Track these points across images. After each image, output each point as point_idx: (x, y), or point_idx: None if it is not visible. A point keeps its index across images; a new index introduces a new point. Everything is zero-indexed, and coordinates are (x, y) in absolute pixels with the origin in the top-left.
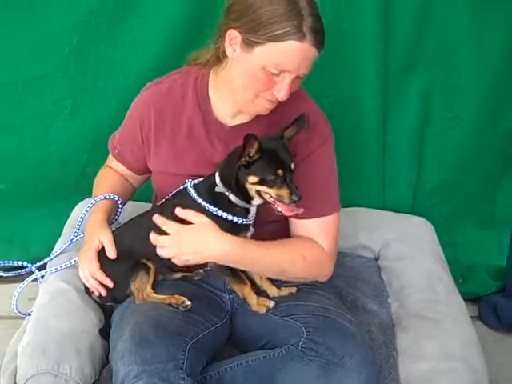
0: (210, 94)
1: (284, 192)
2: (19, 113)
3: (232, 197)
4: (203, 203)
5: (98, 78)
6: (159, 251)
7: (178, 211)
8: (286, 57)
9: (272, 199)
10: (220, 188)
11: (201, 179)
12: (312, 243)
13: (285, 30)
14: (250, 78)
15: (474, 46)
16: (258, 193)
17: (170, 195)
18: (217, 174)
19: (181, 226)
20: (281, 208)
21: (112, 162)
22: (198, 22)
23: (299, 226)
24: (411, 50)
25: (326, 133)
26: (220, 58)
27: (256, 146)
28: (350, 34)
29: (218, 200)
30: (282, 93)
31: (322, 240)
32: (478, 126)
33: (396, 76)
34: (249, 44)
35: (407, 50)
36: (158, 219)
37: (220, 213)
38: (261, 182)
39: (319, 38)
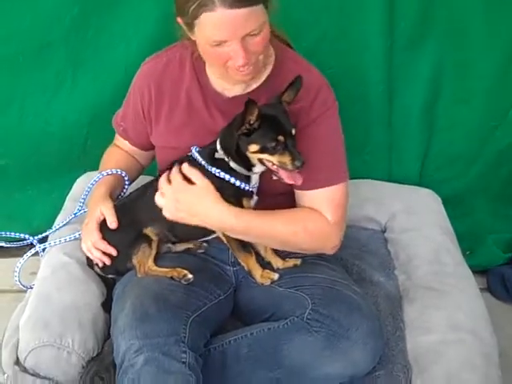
0: (207, 67)
1: (286, 158)
2: (20, 85)
3: (232, 163)
4: (207, 165)
5: (98, 49)
6: (157, 198)
7: (185, 167)
8: (211, 29)
9: (275, 166)
10: (220, 154)
11: (204, 146)
12: (314, 213)
13: (194, 6)
14: (207, 54)
15: (485, 20)
16: (261, 161)
17: (175, 163)
18: (218, 141)
19: (185, 183)
20: (282, 175)
21: (118, 140)
22: None
23: (304, 196)
24: (419, 24)
25: (329, 99)
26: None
27: (256, 112)
28: (356, 5)
29: (219, 166)
30: (238, 60)
31: (327, 211)
32: (488, 103)
33: (403, 50)
34: (187, 26)
35: (415, 24)
36: (173, 170)
37: (223, 175)
38: (262, 150)
39: None
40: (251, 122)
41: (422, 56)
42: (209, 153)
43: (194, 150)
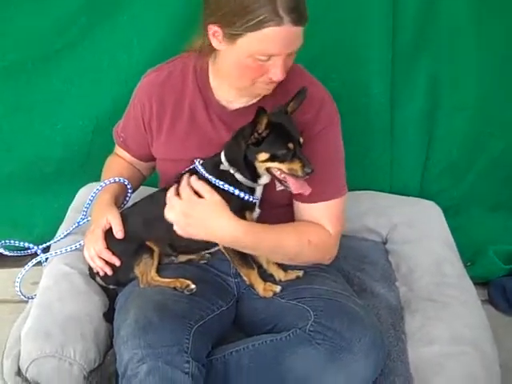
0: (210, 79)
1: (297, 165)
2: (28, 92)
3: (238, 175)
4: (211, 177)
5: (103, 58)
6: (167, 212)
7: (194, 180)
8: (268, 43)
9: (283, 175)
10: (225, 166)
11: (207, 158)
12: (318, 227)
13: (260, 18)
14: (241, 68)
15: (479, 30)
16: (268, 170)
17: (181, 175)
18: (222, 154)
19: (193, 197)
20: (291, 184)
21: (118, 149)
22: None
23: (304, 210)
24: (418, 36)
25: (332, 113)
26: (213, 47)
27: (265, 121)
28: (357, 18)
29: (224, 178)
30: (277, 75)
31: (327, 224)
32: (486, 110)
33: (403, 61)
34: (230, 37)
35: (414, 36)
36: (182, 181)
37: (227, 187)
38: (272, 158)
39: (298, 15)
40: (260, 131)
41: (420, 67)
42: (213, 165)
43: (197, 163)
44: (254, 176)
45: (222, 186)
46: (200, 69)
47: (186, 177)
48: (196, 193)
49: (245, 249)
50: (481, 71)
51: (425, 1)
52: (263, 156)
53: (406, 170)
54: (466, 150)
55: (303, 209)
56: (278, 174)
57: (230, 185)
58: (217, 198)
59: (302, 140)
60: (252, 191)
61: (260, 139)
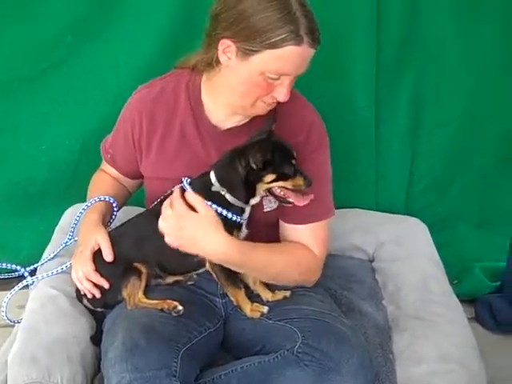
0: (203, 97)
1: (300, 180)
2: (14, 112)
3: (228, 196)
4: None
5: (89, 77)
6: (160, 221)
7: (189, 194)
8: (285, 62)
9: (282, 192)
10: (216, 187)
11: (195, 178)
12: (305, 249)
13: (282, 36)
14: (248, 84)
15: (462, 46)
16: (269, 189)
17: (167, 194)
18: (212, 174)
19: (187, 210)
20: (293, 198)
21: (105, 165)
22: (190, 23)
23: (291, 230)
24: (401, 50)
25: (322, 136)
26: (212, 64)
27: (261, 148)
28: (341, 33)
29: (214, 198)
30: (282, 95)
31: (313, 246)
32: (469, 126)
33: (387, 76)
34: (245, 52)
35: (397, 50)
36: (174, 194)
37: (215, 207)
38: (278, 178)
39: (316, 37)
40: (261, 157)
41: (404, 82)
42: (202, 185)
43: (185, 182)
44: (248, 197)
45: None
46: (193, 85)
47: (177, 188)
48: (190, 206)
49: (233, 266)
50: (464, 87)
51: (408, 16)
52: (270, 177)
53: (391, 186)
54: (449, 165)
55: (290, 229)
56: (278, 191)
57: (218, 205)
58: (211, 213)
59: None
60: (241, 211)
61: (264, 162)
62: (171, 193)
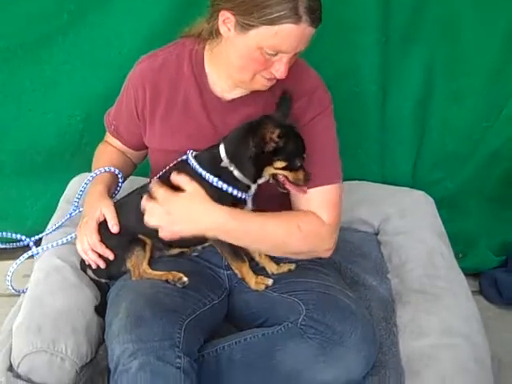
0: (206, 67)
1: (301, 175)
2: (18, 79)
3: (237, 173)
4: (203, 173)
5: (94, 45)
6: (147, 218)
7: (173, 176)
8: (282, 39)
9: (283, 179)
10: (225, 163)
11: (202, 150)
12: (308, 214)
13: (280, 13)
14: (246, 58)
15: (476, 18)
16: (273, 175)
17: (169, 167)
18: (222, 148)
19: (171, 193)
20: (289, 187)
21: (109, 137)
22: None
23: (299, 196)
24: (412, 20)
25: (325, 100)
26: (213, 34)
27: (277, 132)
28: (349, 2)
29: (221, 173)
30: (280, 71)
31: (321, 211)
32: (483, 102)
33: (397, 47)
34: (243, 26)
35: (408, 20)
36: (154, 185)
37: (221, 184)
38: (286, 167)
39: (316, 16)
40: (276, 140)
41: (415, 54)
42: (209, 160)
43: (190, 156)
44: (256, 176)
45: (215, 184)
46: (196, 55)
47: (154, 182)
48: (174, 187)
49: (231, 237)
50: (480, 60)
51: None
52: (280, 164)
53: (398, 160)
54: (462, 142)
55: (297, 196)
56: (280, 177)
57: (224, 181)
58: (195, 187)
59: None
60: (247, 188)
61: (277, 148)
62: (176, 163)
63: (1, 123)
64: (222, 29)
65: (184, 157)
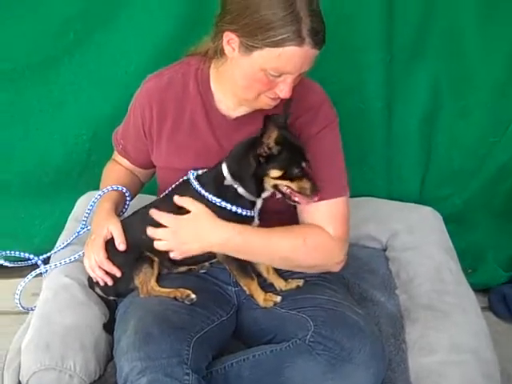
0: (212, 86)
1: (307, 184)
2: (25, 100)
3: (241, 190)
4: (206, 194)
5: (100, 64)
6: (156, 245)
7: (177, 199)
8: (285, 61)
9: (289, 190)
10: (228, 181)
11: (204, 170)
12: (314, 228)
13: (283, 36)
14: (250, 79)
15: (481, 34)
16: (276, 186)
17: (172, 187)
18: (224, 166)
19: (177, 216)
20: (298, 199)
21: (117, 156)
22: (200, 12)
23: (306, 211)
24: (417, 38)
25: (331, 115)
26: (218, 53)
27: (275, 134)
28: (355, 21)
29: (225, 192)
30: (284, 91)
31: (328, 225)
32: (490, 118)
33: (402, 64)
34: (247, 47)
35: (413, 38)
36: (154, 214)
37: (224, 204)
38: (284, 176)
39: (319, 38)
40: (270, 146)
41: (421, 71)
42: (213, 179)
43: (191, 177)
44: (259, 190)
45: (218, 204)
46: (201, 73)
47: (153, 212)
48: (182, 210)
49: (237, 252)
50: (486, 76)
51: (423, 3)
52: (275, 173)
53: (405, 176)
54: (469, 157)
55: (304, 211)
56: (284, 189)
57: (229, 199)
58: (200, 207)
59: (307, 156)
60: (252, 204)
61: (271, 154)
62: (179, 184)
63: (8, 143)
64: (227, 49)
65: (185, 177)
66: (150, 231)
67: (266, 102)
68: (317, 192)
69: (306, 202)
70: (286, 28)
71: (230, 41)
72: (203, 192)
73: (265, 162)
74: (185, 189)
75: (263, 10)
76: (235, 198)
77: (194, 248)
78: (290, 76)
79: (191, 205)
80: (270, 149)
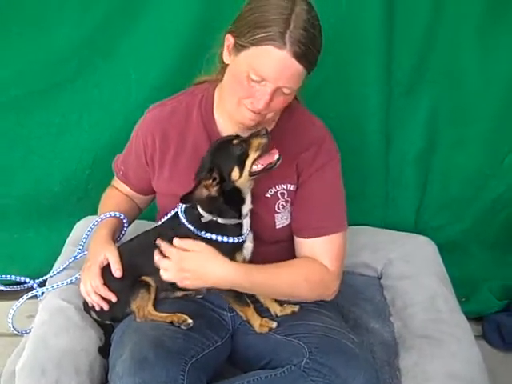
0: (215, 111)
1: (256, 140)
2: (27, 126)
3: (220, 220)
4: (192, 228)
5: (102, 92)
6: (162, 273)
7: (177, 242)
8: (263, 62)
9: (258, 163)
10: (206, 218)
11: (187, 207)
12: (314, 263)
13: (266, 34)
14: (234, 82)
15: (479, 68)
16: (251, 174)
17: (167, 217)
18: (199, 207)
19: (182, 253)
20: (263, 161)
21: (117, 182)
22: (203, 43)
23: (304, 244)
24: (415, 72)
25: (332, 151)
26: (221, 71)
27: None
28: (353, 54)
29: (208, 226)
30: (260, 102)
31: (326, 259)
32: (484, 149)
33: (400, 98)
34: (237, 48)
35: (411, 72)
36: (161, 244)
37: (209, 235)
38: (242, 163)
39: (301, 51)
40: (214, 172)
41: (418, 104)
42: (195, 218)
43: (179, 212)
44: (239, 207)
45: (205, 236)
46: (205, 101)
47: (161, 243)
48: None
49: (243, 290)
50: (482, 108)
51: (423, 36)
52: (236, 172)
53: (402, 206)
54: (465, 189)
55: (303, 244)
56: (255, 168)
57: (213, 231)
58: (203, 245)
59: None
60: (240, 227)
61: (221, 182)
62: (171, 217)
63: (8, 168)
64: (225, 55)
65: (175, 211)
66: (156, 258)
67: (244, 114)
68: (266, 133)
69: (268, 160)
70: (272, 28)
71: (229, 45)
72: (189, 226)
73: (221, 181)
74: (176, 221)
75: (261, 11)
76: (220, 228)
77: (197, 285)
78: (269, 84)
79: (194, 246)
80: (216, 182)
